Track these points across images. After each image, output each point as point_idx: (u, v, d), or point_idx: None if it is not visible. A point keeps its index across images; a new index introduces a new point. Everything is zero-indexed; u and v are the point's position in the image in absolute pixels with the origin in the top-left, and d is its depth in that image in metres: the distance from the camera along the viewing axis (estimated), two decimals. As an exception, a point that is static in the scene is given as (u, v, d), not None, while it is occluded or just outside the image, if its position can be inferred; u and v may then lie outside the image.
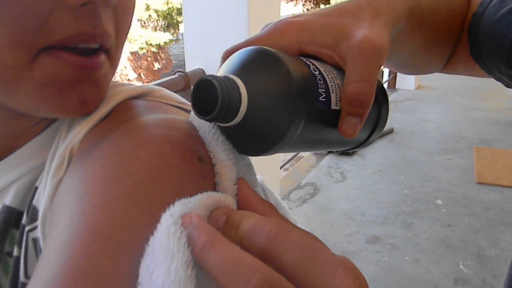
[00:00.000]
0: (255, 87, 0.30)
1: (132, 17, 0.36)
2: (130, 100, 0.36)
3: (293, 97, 0.30)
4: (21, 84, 0.31)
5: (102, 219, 0.25)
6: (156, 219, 0.25)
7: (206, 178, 0.30)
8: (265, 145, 0.31)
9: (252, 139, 0.31)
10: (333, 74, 0.35)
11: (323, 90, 0.33)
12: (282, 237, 0.24)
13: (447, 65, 0.55)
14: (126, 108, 0.34)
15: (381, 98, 0.41)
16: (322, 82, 0.33)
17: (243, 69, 0.31)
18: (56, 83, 0.31)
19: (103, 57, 0.34)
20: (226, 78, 0.29)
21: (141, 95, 0.37)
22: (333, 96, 0.34)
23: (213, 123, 0.32)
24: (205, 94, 0.29)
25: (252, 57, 0.32)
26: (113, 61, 0.36)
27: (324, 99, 0.33)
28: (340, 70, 0.36)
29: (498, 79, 0.51)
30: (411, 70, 0.55)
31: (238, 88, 0.29)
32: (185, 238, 0.24)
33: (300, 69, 0.32)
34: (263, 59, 0.31)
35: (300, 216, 2.68)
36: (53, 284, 0.23)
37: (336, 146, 0.39)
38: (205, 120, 0.29)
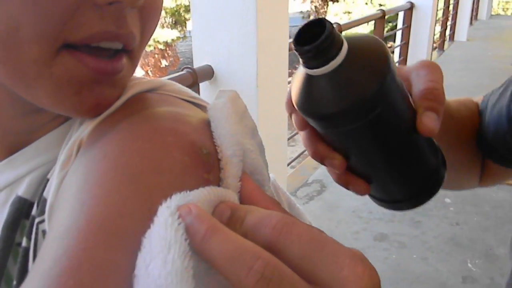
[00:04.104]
0: (357, 47, 0.33)
1: (158, 19, 0.36)
2: (141, 93, 0.36)
3: (388, 67, 0.33)
4: (40, 80, 0.31)
5: (101, 210, 0.25)
6: (155, 211, 0.25)
7: (210, 172, 0.30)
8: (350, 99, 0.32)
9: (337, 91, 0.32)
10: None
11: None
12: (289, 229, 0.24)
13: (483, 178, 0.56)
14: (136, 101, 0.34)
15: (441, 159, 0.42)
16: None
17: (352, 37, 0.34)
18: (74, 83, 0.31)
19: (124, 60, 0.34)
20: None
21: (152, 89, 0.37)
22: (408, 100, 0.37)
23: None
24: (312, 32, 0.31)
25: (364, 37, 0.35)
26: (134, 61, 0.36)
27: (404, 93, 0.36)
28: None
29: None
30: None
31: (342, 40, 0.32)
32: (182, 229, 0.23)
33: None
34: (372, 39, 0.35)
35: (307, 213, 2.67)
36: (50, 274, 0.23)
37: (404, 154, 0.39)
38: (306, 51, 0.31)
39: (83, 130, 0.33)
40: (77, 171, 0.30)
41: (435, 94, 0.36)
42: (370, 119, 0.33)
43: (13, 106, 0.35)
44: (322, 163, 0.39)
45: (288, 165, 2.80)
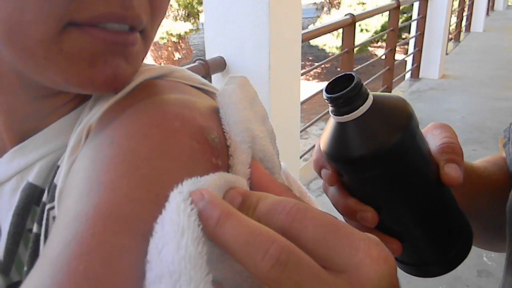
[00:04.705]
0: (382, 99, 0.37)
1: (167, 3, 0.36)
2: (150, 80, 0.35)
3: (410, 116, 0.37)
4: (50, 58, 0.31)
5: (109, 195, 0.25)
6: (164, 196, 0.24)
7: (219, 157, 0.29)
8: (376, 142, 0.35)
9: (364, 136, 0.36)
10: None
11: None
12: (302, 214, 0.24)
13: None
14: (145, 88, 0.34)
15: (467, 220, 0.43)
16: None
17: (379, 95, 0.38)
18: (86, 56, 0.31)
19: (137, 34, 0.33)
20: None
21: (162, 76, 0.36)
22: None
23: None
24: (342, 85, 0.35)
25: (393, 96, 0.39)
26: (147, 41, 0.36)
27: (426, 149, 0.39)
28: None
29: None
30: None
31: (369, 92, 0.36)
32: (195, 215, 0.23)
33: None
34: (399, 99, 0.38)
35: (320, 206, 2.64)
36: (60, 259, 0.23)
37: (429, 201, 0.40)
38: (337, 98, 0.35)
39: (92, 116, 0.33)
40: (85, 157, 0.30)
41: (452, 147, 0.40)
42: (395, 163, 0.36)
43: (24, 91, 0.35)
44: (353, 218, 0.40)
45: (300, 157, 2.79)
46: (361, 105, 0.35)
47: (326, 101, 0.36)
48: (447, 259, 0.41)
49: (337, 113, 0.36)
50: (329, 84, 0.37)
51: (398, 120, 0.36)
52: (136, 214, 0.24)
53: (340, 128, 0.37)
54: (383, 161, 0.36)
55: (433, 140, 0.42)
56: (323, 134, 0.40)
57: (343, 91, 0.35)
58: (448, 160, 0.39)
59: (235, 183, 0.27)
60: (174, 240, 0.22)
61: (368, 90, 0.36)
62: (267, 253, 0.21)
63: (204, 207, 0.23)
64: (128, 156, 0.27)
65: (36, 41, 0.30)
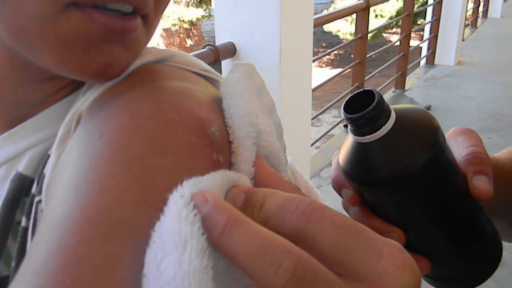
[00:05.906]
0: (406, 115, 0.35)
1: None
2: (147, 64, 0.33)
3: (437, 133, 0.35)
4: (43, 38, 0.28)
5: (97, 197, 0.22)
6: (161, 199, 0.22)
7: (220, 153, 0.27)
8: (402, 163, 0.33)
9: (390, 157, 0.33)
10: None
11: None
12: (319, 214, 0.21)
13: None
14: (141, 73, 0.32)
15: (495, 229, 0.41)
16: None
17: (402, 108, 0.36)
18: (81, 40, 0.29)
19: (138, 20, 0.31)
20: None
21: (161, 60, 0.34)
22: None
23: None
24: (361, 101, 0.33)
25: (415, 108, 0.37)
26: (149, 27, 0.33)
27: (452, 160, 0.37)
28: None
29: None
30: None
31: (391, 109, 0.34)
32: (199, 223, 0.20)
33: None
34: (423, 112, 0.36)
35: (331, 194, 2.65)
36: (44, 271, 0.20)
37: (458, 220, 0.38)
38: (358, 118, 0.32)
39: (82, 102, 0.31)
40: (72, 152, 0.27)
41: (479, 158, 0.38)
42: (424, 183, 0.34)
43: (15, 74, 0.33)
44: None
45: (312, 145, 2.77)
46: (384, 124, 0.33)
47: (346, 121, 0.34)
48: (477, 272, 0.40)
49: (358, 133, 0.34)
50: (347, 101, 0.34)
51: (425, 136, 0.34)
52: (129, 219, 0.22)
53: (362, 149, 0.34)
54: (411, 182, 0.34)
55: (458, 148, 0.40)
56: (342, 151, 0.37)
57: (363, 109, 0.32)
58: (477, 172, 0.37)
59: (238, 182, 0.25)
60: (175, 252, 0.19)
61: (390, 107, 0.34)
62: (281, 266, 0.19)
63: (209, 213, 0.21)
64: (118, 152, 0.24)
65: (32, 18, 0.28)
